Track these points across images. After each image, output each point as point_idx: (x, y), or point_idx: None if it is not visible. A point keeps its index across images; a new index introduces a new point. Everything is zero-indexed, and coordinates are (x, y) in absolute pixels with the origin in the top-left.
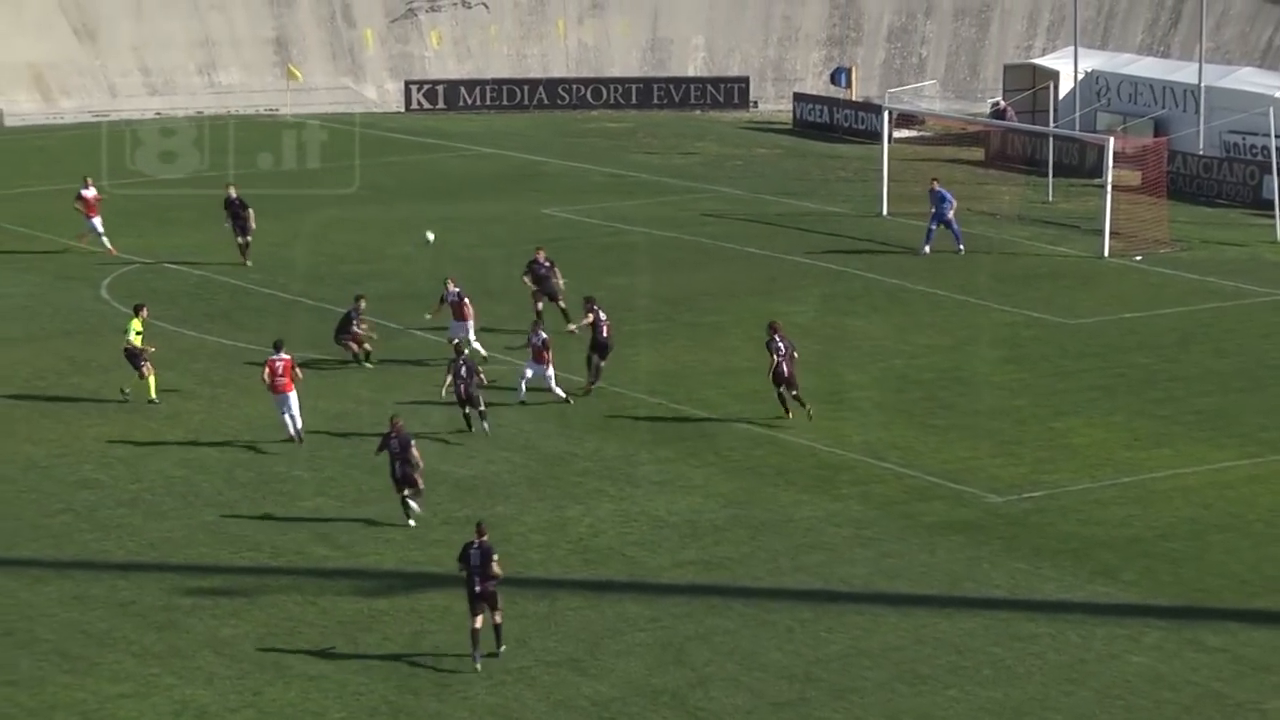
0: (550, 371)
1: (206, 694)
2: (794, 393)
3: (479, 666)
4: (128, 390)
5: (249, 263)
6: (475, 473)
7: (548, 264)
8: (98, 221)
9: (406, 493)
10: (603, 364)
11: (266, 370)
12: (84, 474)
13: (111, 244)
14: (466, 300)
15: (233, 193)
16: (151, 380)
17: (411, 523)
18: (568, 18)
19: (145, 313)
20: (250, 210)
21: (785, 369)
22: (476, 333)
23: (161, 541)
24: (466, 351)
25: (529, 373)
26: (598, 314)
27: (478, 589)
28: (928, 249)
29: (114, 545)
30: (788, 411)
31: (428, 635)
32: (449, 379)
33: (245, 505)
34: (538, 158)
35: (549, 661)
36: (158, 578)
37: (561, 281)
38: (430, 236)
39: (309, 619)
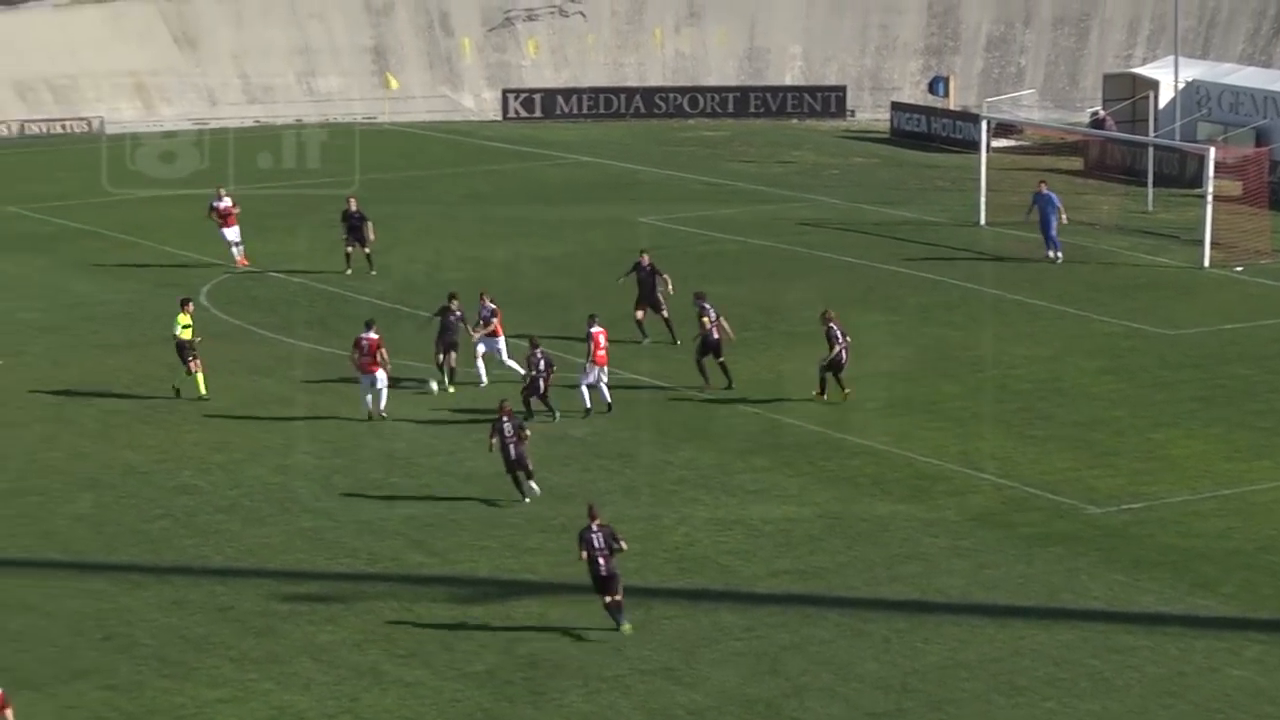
0: (593, 374)
1: (304, 699)
2: (839, 375)
3: (627, 627)
4: (178, 386)
5: (374, 271)
6: (571, 481)
7: (649, 268)
8: (233, 232)
9: (519, 474)
10: (721, 360)
11: (354, 350)
12: (183, 480)
13: (244, 254)
14: (498, 318)
15: (353, 205)
16: (200, 377)
17: (527, 500)
18: (665, 27)
19: (191, 306)
20: (369, 223)
21: (845, 356)
22: (510, 352)
23: (259, 547)
24: (540, 347)
25: (590, 377)
26: (706, 312)
27: (603, 572)
28: (1056, 254)
29: (212, 551)
30: (823, 393)
31: (523, 642)
32: (524, 372)
33: (342, 512)
34: (634, 166)
35: (644, 670)
36: (255, 583)
37: (670, 287)
38: (434, 387)
39: (405, 625)
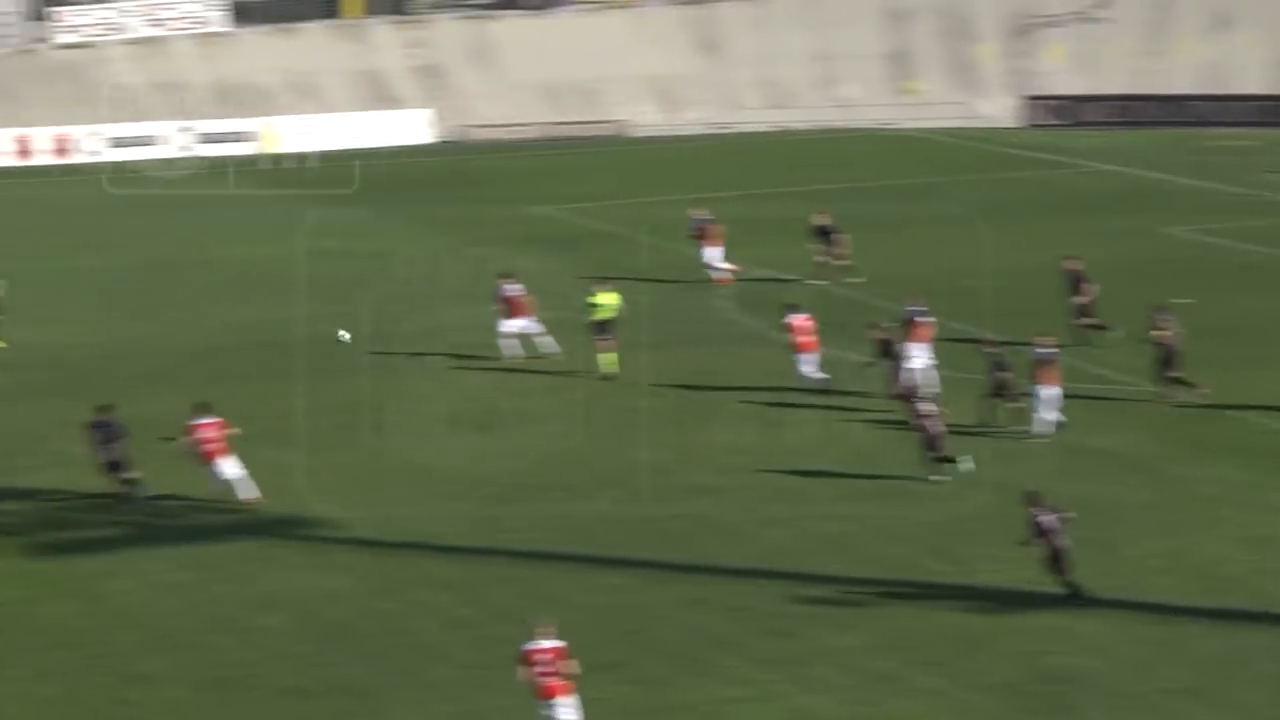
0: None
1: (823, 703)
2: None
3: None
4: (599, 370)
5: (848, 280)
6: (1093, 494)
7: (1075, 273)
8: (712, 252)
9: (938, 455)
10: (1172, 374)
11: (788, 332)
12: (701, 479)
13: (728, 274)
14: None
15: (823, 219)
16: (611, 356)
17: (947, 478)
18: (1192, 33)
19: (609, 287)
20: (840, 235)
21: None
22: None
23: (774, 549)
24: (996, 348)
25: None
26: (1167, 324)
27: (1059, 547)
28: None
29: (729, 550)
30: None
31: (1045, 656)
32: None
33: (857, 516)
34: (1160, 175)
35: (1169, 689)
36: (771, 585)
37: (1092, 295)
38: (344, 335)
39: (922, 632)
